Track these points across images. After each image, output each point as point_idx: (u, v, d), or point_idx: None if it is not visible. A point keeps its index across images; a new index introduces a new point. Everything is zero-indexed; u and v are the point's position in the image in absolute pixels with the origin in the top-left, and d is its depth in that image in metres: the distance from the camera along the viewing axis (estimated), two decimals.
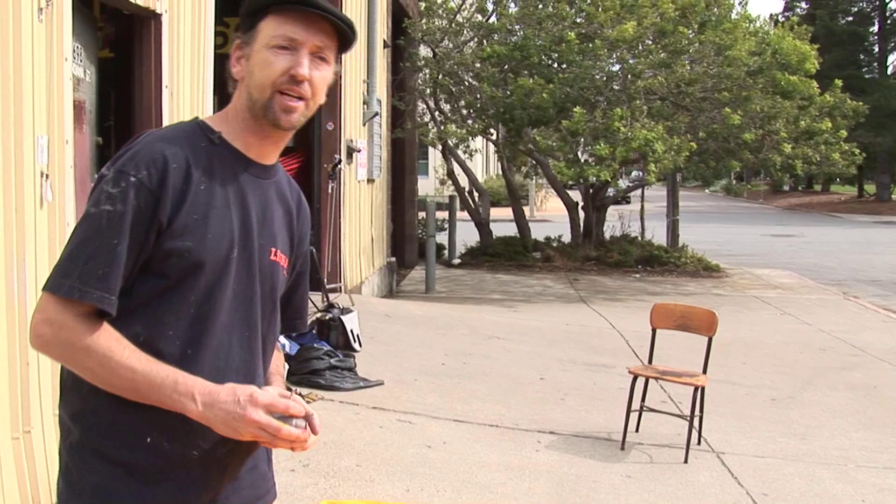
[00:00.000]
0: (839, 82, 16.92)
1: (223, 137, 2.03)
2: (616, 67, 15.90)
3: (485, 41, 17.17)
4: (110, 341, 1.85)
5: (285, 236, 2.17)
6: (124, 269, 1.86)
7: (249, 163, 2.06)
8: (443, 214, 18.98)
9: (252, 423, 1.83)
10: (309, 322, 8.26)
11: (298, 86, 1.97)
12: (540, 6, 16.35)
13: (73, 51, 5.06)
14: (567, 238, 19.54)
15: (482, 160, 41.25)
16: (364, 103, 12.30)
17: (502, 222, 22.42)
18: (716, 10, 15.91)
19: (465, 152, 19.35)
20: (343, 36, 2.03)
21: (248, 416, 1.82)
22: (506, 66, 16.05)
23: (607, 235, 19.55)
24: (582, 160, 16.03)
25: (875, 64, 56.42)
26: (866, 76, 53.18)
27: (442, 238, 18.41)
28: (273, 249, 2.10)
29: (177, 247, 1.90)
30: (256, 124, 2.02)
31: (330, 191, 10.45)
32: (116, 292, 1.86)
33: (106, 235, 1.86)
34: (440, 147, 18.79)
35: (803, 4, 58.83)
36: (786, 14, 52.08)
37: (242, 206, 2.02)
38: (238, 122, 2.05)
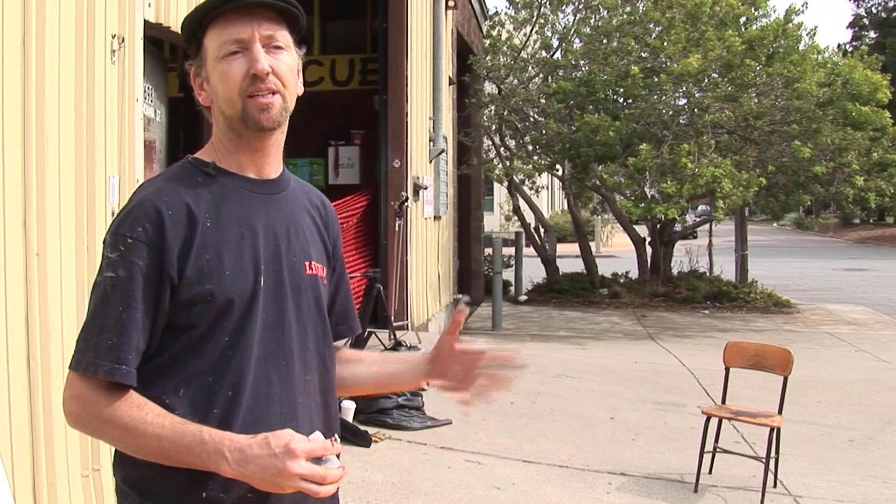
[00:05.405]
0: None
1: (217, 166, 1.97)
2: (682, 102, 15.76)
3: (550, 77, 17.15)
4: (132, 409, 1.79)
5: (318, 245, 2.09)
6: (139, 333, 1.81)
7: (254, 183, 1.99)
8: (509, 251, 18.88)
9: (294, 475, 1.73)
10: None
11: (264, 82, 1.91)
12: (605, 41, 16.29)
13: (144, 91, 5.12)
14: (634, 274, 19.33)
15: (548, 196, 41.14)
16: (430, 140, 12.33)
17: (569, 258, 22.28)
18: (783, 41, 15.68)
19: (531, 188, 19.30)
20: (289, 15, 1.96)
21: (288, 469, 1.72)
22: (571, 102, 16.00)
23: (675, 271, 19.28)
24: (649, 196, 15.87)
25: None
26: None
27: (508, 275, 18.30)
28: (308, 262, 2.02)
29: (197, 293, 1.84)
30: (242, 140, 1.96)
31: (397, 228, 10.45)
32: (130, 361, 1.80)
33: (112, 304, 1.81)
34: (506, 183, 18.75)
35: (872, 33, 57.86)
36: (854, 43, 51.22)
37: (262, 229, 1.95)
38: (225, 146, 1.99)
